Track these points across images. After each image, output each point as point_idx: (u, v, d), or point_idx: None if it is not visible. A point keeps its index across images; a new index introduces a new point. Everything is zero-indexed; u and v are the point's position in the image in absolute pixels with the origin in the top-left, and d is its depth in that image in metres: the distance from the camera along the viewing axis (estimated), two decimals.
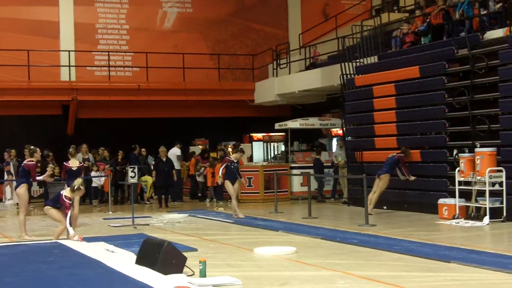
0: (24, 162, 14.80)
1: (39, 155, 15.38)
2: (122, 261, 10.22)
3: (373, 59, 20.49)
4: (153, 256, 9.33)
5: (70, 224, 12.79)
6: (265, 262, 10.53)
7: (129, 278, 8.75)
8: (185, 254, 9.55)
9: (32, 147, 15.20)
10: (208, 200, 23.28)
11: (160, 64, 26.33)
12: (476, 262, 9.65)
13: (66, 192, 13.07)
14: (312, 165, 22.46)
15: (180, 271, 9.21)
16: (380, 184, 17.12)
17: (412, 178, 17.08)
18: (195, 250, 11.54)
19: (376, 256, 10.77)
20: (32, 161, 14.62)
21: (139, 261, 9.73)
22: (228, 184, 17.18)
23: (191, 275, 9.13)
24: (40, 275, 9.35)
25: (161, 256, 9.20)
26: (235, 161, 17.28)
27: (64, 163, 15.92)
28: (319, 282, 8.74)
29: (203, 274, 9.02)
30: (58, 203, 13.04)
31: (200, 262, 9.10)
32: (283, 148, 27.36)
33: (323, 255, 11.02)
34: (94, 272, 9.35)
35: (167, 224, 16.46)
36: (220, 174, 17.55)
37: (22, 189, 14.31)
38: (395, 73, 18.68)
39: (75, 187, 13.00)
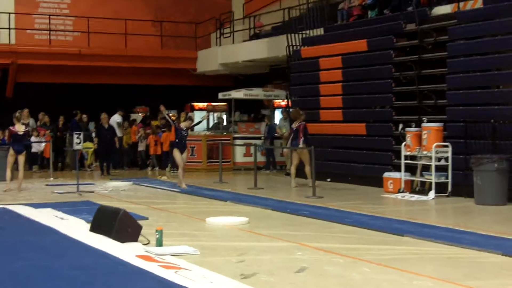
0: None
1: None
2: (76, 228, 10.05)
3: (319, 31, 20.47)
4: (109, 224, 9.18)
5: None
6: (219, 232, 10.46)
7: (88, 246, 8.60)
8: None
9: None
10: (150, 168, 23.05)
11: (101, 30, 25.83)
12: (430, 236, 9.70)
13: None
14: (255, 136, 22.57)
15: (135, 239, 9.09)
16: (304, 156, 16.91)
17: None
18: (146, 218, 11.35)
19: (329, 228, 10.80)
20: None
21: (93, 229, 9.57)
22: (176, 153, 16.96)
23: (146, 243, 9.01)
24: None
25: (117, 224, 9.06)
26: (184, 129, 17.03)
27: (10, 127, 15.84)
28: (277, 253, 8.69)
29: (159, 243, 8.89)
30: None
31: (156, 231, 8.96)
32: (225, 118, 27.27)
33: (276, 226, 11.02)
34: (50, 239, 9.17)
35: (112, 191, 16.26)
36: None
37: None
38: (343, 46, 18.70)
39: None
